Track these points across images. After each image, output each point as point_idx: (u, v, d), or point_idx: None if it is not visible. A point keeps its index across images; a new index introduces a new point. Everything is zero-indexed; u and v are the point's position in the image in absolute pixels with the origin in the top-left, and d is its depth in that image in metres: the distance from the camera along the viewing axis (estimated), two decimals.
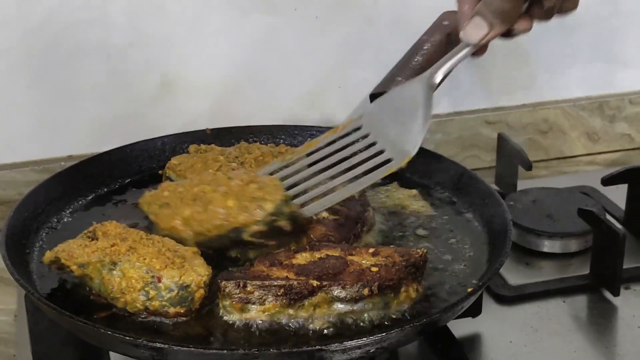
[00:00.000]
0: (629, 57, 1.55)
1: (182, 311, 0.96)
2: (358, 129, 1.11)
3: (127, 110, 1.36)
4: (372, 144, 1.08)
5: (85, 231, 1.03)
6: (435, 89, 1.07)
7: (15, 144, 1.33)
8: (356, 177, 1.06)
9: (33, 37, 1.29)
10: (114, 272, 0.97)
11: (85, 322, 0.92)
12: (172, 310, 0.96)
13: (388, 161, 1.06)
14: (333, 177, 1.07)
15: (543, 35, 1.50)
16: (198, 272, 0.97)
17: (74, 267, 0.98)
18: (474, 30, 1.03)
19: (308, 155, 1.11)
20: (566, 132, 1.54)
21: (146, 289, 0.96)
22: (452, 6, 1.40)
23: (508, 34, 1.05)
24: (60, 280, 1.02)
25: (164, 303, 0.96)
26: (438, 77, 1.07)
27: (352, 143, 1.09)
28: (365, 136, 1.09)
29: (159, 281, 0.96)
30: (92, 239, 1.00)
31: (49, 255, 1.00)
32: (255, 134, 1.29)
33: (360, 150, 1.08)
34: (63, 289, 1.01)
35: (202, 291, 0.97)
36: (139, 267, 0.97)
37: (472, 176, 1.19)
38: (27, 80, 1.31)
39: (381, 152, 1.07)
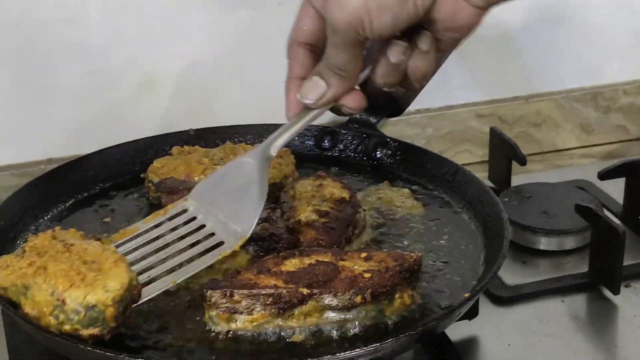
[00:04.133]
0: (622, 47, 1.52)
1: (96, 332, 0.88)
2: (184, 211, 1.01)
3: (107, 111, 1.32)
4: (201, 227, 0.98)
5: (22, 245, 0.96)
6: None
7: None
8: (188, 261, 0.96)
9: (7, 37, 1.25)
10: (27, 295, 0.90)
11: (63, 338, 0.88)
12: (85, 332, 0.88)
13: (220, 244, 0.96)
14: (165, 259, 0.96)
15: (534, 26, 1.47)
16: (107, 288, 0.88)
17: None
18: (311, 90, 0.93)
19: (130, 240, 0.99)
20: (560, 125, 1.51)
21: (55, 312, 0.88)
22: None
23: (338, 111, 0.96)
24: None
25: (75, 326, 0.88)
26: (274, 151, 0.98)
27: (179, 227, 0.99)
28: (193, 219, 0.99)
29: (64, 304, 0.88)
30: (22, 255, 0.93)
31: None
32: (240, 134, 1.25)
33: (189, 234, 0.98)
34: None
35: (112, 309, 0.88)
36: (45, 290, 0.88)
37: (466, 174, 1.15)
38: (2, 81, 1.27)
39: (212, 234, 0.98)
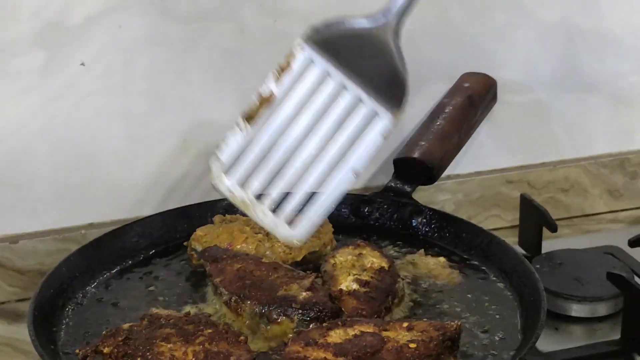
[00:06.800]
0: None
1: None
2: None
3: (148, 176, 1.34)
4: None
5: None
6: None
7: (36, 212, 1.31)
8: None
9: (54, 104, 1.28)
10: None
11: None
12: None
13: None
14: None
15: (562, 92, 1.49)
16: None
17: None
18: None
19: None
20: (587, 190, 1.53)
21: None
22: (472, 68, 1.41)
23: None
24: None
25: None
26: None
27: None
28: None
29: None
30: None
31: None
32: None
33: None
34: None
35: None
36: None
37: (501, 243, 1.17)
38: (47, 147, 1.29)
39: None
